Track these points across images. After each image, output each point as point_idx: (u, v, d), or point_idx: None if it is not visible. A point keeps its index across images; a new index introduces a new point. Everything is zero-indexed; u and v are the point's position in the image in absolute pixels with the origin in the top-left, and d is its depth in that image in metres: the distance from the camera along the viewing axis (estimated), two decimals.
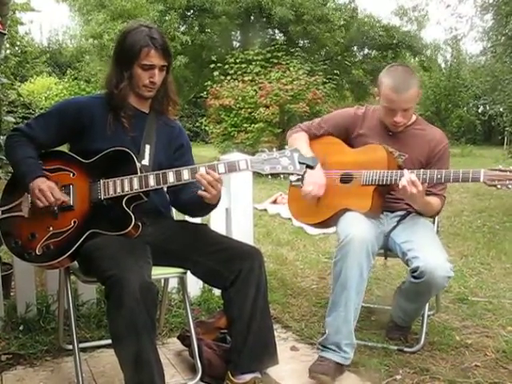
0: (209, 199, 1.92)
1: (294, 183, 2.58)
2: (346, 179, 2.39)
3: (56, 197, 1.89)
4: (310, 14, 17.57)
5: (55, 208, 1.91)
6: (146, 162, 2.02)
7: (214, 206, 2.04)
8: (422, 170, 2.17)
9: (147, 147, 2.05)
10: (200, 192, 1.89)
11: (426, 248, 2.16)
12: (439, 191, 2.33)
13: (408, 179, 2.09)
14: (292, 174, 1.87)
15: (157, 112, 2.13)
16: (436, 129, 2.49)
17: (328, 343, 2.16)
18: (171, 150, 2.15)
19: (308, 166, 1.85)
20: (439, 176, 2.12)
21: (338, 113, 2.62)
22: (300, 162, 1.83)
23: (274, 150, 1.88)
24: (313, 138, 2.54)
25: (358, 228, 2.17)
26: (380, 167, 2.29)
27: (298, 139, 2.53)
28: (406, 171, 2.14)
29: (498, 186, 2.03)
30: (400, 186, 2.12)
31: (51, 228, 1.92)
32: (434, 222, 2.50)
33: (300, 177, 2.53)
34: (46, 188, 1.88)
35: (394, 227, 2.36)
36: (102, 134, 2.00)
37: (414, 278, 2.13)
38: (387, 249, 2.38)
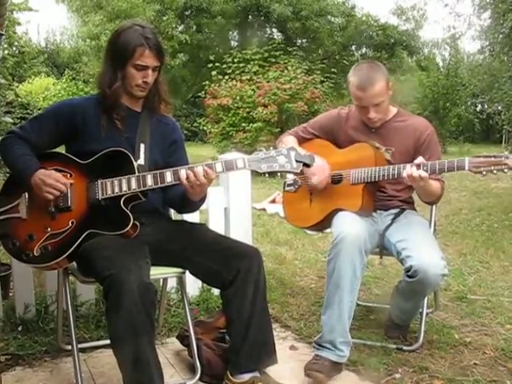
0: (191, 194, 1.92)
1: (286, 188, 2.60)
2: (336, 180, 2.41)
3: (64, 182, 1.90)
4: (308, 9, 17.63)
5: (52, 205, 1.91)
6: (141, 161, 2.02)
7: (197, 204, 2.07)
8: (408, 165, 2.15)
9: (142, 146, 2.05)
10: (185, 182, 1.89)
11: (420, 247, 2.16)
12: (436, 176, 2.32)
13: (409, 174, 2.10)
14: (289, 172, 1.87)
15: (149, 110, 2.13)
16: (419, 118, 2.51)
17: (323, 341, 2.16)
18: (166, 146, 2.15)
19: (305, 164, 1.85)
20: (425, 168, 2.12)
21: (323, 115, 2.65)
22: (297, 161, 1.83)
23: (271, 148, 1.88)
24: (302, 141, 2.56)
25: (349, 226, 2.17)
26: (368, 165, 2.30)
27: (288, 142, 2.54)
28: (408, 165, 2.14)
29: (484, 173, 2.04)
30: (405, 175, 2.13)
31: (49, 229, 1.91)
32: (430, 221, 2.50)
33: (292, 181, 2.56)
34: (52, 181, 1.89)
35: (389, 226, 2.37)
36: (97, 135, 2.00)
37: (409, 277, 2.14)
38: (383, 247, 2.38)
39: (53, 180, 1.89)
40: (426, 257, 2.10)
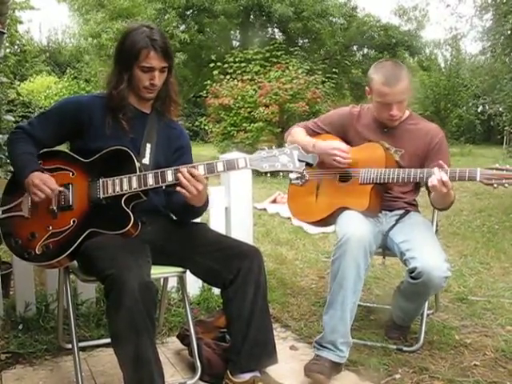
0: (189, 199, 1.90)
1: (293, 181, 2.58)
2: (344, 178, 2.40)
3: (52, 187, 1.89)
4: (310, 10, 17.66)
5: (53, 204, 1.90)
6: (146, 160, 2.02)
7: (198, 210, 2.03)
8: (418, 170, 2.17)
9: (148, 146, 2.05)
10: (179, 188, 1.87)
11: (424, 248, 2.15)
12: None
13: (439, 179, 2.06)
14: (291, 171, 1.86)
15: (158, 113, 2.13)
16: (430, 123, 2.50)
17: (324, 342, 2.16)
18: (170, 150, 2.14)
19: (307, 164, 1.84)
20: None
21: (334, 112, 2.64)
22: (299, 160, 1.82)
23: (274, 147, 1.87)
24: (311, 135, 2.55)
25: (355, 227, 2.17)
26: (378, 165, 2.29)
27: (297, 133, 2.55)
28: (436, 170, 2.10)
29: (495, 185, 2.03)
30: (430, 184, 2.09)
31: (51, 227, 1.91)
32: (432, 222, 2.50)
33: (299, 175, 2.55)
34: (38, 182, 1.88)
35: (393, 226, 2.36)
36: (102, 133, 2.00)
37: (412, 278, 2.13)
38: (385, 248, 2.38)
39: (40, 181, 1.89)
40: (430, 259, 2.09)
